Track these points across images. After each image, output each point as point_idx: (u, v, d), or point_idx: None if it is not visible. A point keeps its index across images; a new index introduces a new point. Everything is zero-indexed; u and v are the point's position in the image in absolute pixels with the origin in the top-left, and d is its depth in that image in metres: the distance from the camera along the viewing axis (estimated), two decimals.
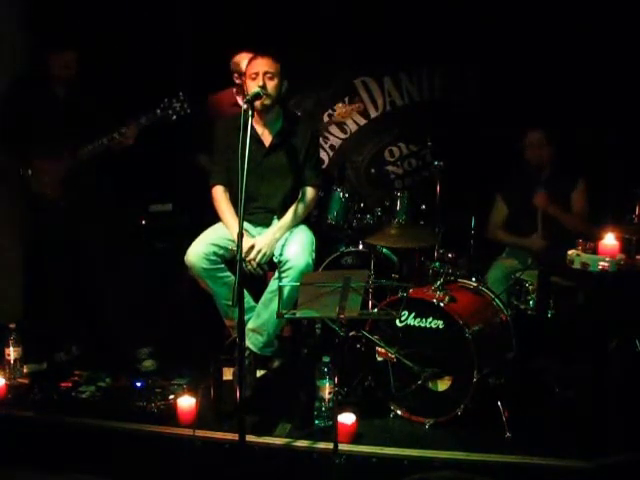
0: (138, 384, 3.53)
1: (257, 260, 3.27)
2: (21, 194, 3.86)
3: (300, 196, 3.46)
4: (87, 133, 3.72)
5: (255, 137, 3.34)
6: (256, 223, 3.48)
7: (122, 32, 4.50)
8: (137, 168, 4.31)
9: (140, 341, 3.90)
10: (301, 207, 3.44)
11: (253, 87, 3.22)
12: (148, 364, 3.82)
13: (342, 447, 2.78)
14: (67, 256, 3.91)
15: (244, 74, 3.37)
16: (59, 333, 3.97)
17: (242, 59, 3.96)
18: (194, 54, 4.75)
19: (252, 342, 3.34)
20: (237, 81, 4.13)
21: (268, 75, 3.28)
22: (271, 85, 3.29)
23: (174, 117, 3.74)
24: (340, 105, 4.52)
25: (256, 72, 3.27)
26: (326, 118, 4.98)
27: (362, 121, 4.99)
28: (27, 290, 4.27)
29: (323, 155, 4.98)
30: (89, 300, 4.00)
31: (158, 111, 3.72)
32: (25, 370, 3.71)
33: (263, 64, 3.28)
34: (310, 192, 3.48)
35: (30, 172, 3.74)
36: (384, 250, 3.96)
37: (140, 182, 4.42)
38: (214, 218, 3.48)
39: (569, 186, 3.97)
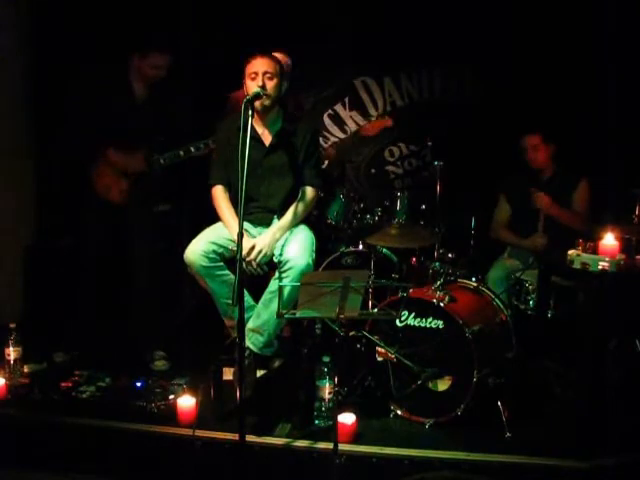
0: (138, 384, 3.53)
1: (257, 260, 3.27)
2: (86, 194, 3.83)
3: (300, 196, 3.46)
4: (169, 142, 3.70)
5: (255, 137, 3.34)
6: (256, 223, 3.48)
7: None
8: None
9: (157, 344, 3.91)
10: (301, 207, 3.44)
11: (252, 87, 3.21)
12: (160, 364, 3.82)
13: (342, 447, 2.78)
14: (107, 256, 3.91)
15: (243, 74, 3.36)
16: (59, 333, 3.97)
17: None
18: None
19: (252, 342, 3.34)
20: None
21: (267, 75, 3.27)
22: (270, 85, 3.28)
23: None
24: (367, 121, 4.54)
25: (255, 72, 3.27)
26: (326, 118, 4.98)
27: (362, 121, 4.99)
28: (27, 290, 4.29)
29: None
30: (122, 302, 3.98)
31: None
32: (25, 370, 3.70)
33: (262, 64, 3.27)
34: (310, 192, 3.48)
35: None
36: (384, 250, 3.96)
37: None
38: (214, 218, 3.48)
39: (571, 186, 3.97)
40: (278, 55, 3.48)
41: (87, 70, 3.79)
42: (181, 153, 3.71)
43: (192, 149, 3.70)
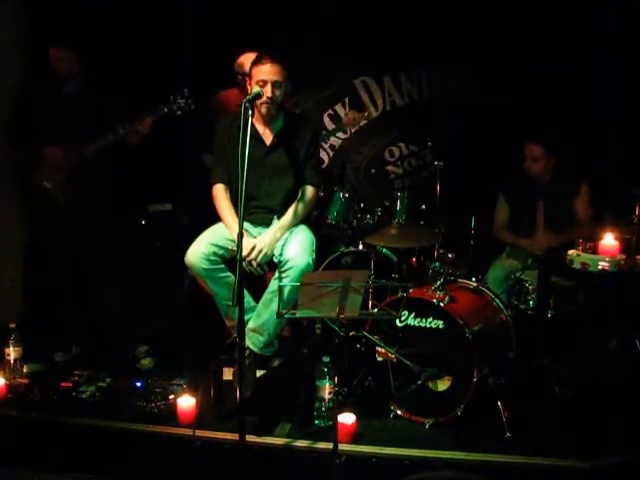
0: (138, 384, 3.53)
1: (258, 260, 3.27)
2: (25, 189, 3.88)
3: (300, 195, 3.46)
4: (96, 129, 3.73)
5: (256, 136, 3.34)
6: (256, 223, 3.48)
7: (126, 30, 4.51)
8: (137, 167, 4.31)
9: (139, 340, 3.91)
10: (301, 206, 3.44)
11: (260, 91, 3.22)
12: (146, 362, 3.83)
13: (342, 447, 2.78)
14: (67, 254, 3.92)
15: (249, 75, 3.35)
16: (59, 333, 3.97)
17: (246, 60, 3.97)
18: (195, 52, 4.74)
19: (252, 342, 3.34)
20: (241, 82, 4.14)
21: (276, 84, 3.27)
22: (278, 93, 3.30)
23: (178, 112, 3.73)
24: (347, 112, 4.53)
25: (264, 80, 3.25)
26: (326, 118, 4.98)
27: (362, 121, 4.99)
28: (27, 290, 4.28)
29: (323, 155, 4.98)
30: (89, 299, 4.00)
31: (163, 107, 3.72)
32: (25, 370, 3.70)
33: (273, 73, 3.25)
34: (310, 191, 3.48)
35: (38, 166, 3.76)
36: (384, 250, 3.96)
37: (140, 181, 4.42)
38: (214, 218, 3.48)
39: (571, 191, 3.96)
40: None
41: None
42: (110, 137, 3.73)
43: (120, 131, 3.72)
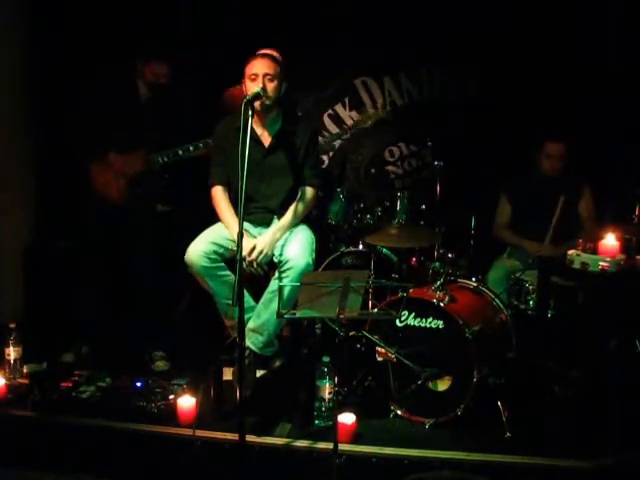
0: (138, 384, 3.52)
1: (258, 260, 3.26)
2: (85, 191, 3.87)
3: (299, 196, 3.46)
4: (169, 142, 3.75)
5: (255, 137, 3.34)
6: (256, 223, 3.48)
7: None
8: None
9: (150, 341, 3.91)
10: (301, 207, 3.44)
11: (252, 88, 3.21)
12: (161, 364, 3.82)
13: (342, 447, 2.78)
14: (108, 256, 3.93)
15: (243, 74, 3.36)
16: (67, 333, 3.97)
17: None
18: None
19: (252, 342, 3.34)
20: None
21: (268, 77, 3.27)
22: (271, 87, 3.28)
23: None
24: (350, 113, 4.53)
25: (255, 73, 3.26)
26: (326, 118, 4.98)
27: (369, 121, 4.99)
28: (27, 290, 4.28)
29: (323, 155, 4.98)
30: (124, 301, 4.00)
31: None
32: (25, 370, 3.70)
33: (263, 66, 3.27)
34: (309, 192, 3.48)
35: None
36: (384, 250, 3.96)
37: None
38: (214, 218, 3.48)
39: (575, 193, 3.95)
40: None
41: (94, 70, 3.89)
42: (180, 152, 3.74)
43: (191, 148, 3.73)
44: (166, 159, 3.75)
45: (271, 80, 3.28)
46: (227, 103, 4.21)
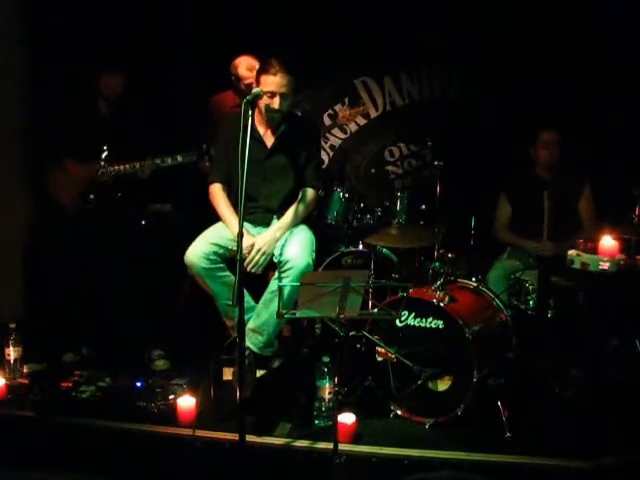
0: (138, 384, 3.53)
1: (257, 260, 3.26)
2: (37, 194, 3.99)
3: (300, 197, 3.46)
4: (123, 155, 3.82)
5: (257, 138, 3.35)
6: (256, 223, 3.48)
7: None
8: None
9: (148, 341, 3.93)
10: (301, 208, 3.44)
11: (267, 102, 3.24)
12: (160, 363, 3.83)
13: (342, 447, 2.78)
14: (76, 257, 3.96)
15: (256, 79, 3.33)
16: (67, 334, 3.97)
17: (241, 63, 4.09)
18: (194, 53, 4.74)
19: (252, 342, 3.34)
20: (235, 83, 4.16)
21: (285, 95, 3.27)
22: (286, 104, 3.30)
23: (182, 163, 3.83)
24: (343, 108, 4.52)
25: (273, 92, 3.24)
26: (326, 119, 4.98)
27: (362, 121, 4.99)
28: (27, 290, 4.28)
29: (323, 155, 4.97)
30: (100, 301, 4.02)
31: (179, 157, 3.80)
32: (25, 370, 3.70)
33: (283, 85, 3.23)
34: (310, 193, 3.48)
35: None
36: (384, 250, 3.95)
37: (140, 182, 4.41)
38: (214, 218, 3.48)
39: (575, 191, 3.96)
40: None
41: (60, 78, 4.10)
42: (128, 167, 3.81)
43: (137, 166, 3.80)
44: (116, 172, 3.82)
45: (287, 99, 3.28)
46: (214, 110, 4.23)
